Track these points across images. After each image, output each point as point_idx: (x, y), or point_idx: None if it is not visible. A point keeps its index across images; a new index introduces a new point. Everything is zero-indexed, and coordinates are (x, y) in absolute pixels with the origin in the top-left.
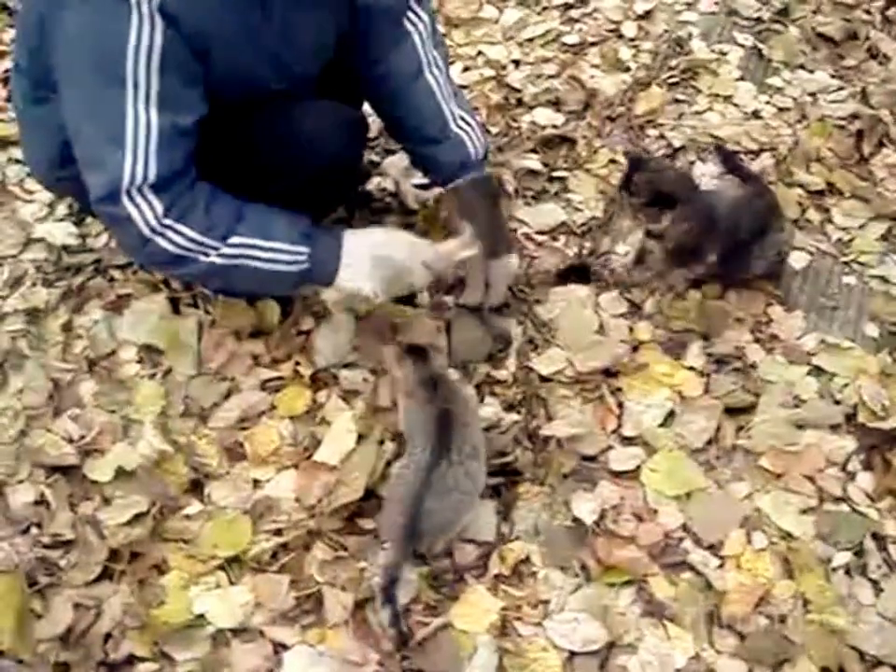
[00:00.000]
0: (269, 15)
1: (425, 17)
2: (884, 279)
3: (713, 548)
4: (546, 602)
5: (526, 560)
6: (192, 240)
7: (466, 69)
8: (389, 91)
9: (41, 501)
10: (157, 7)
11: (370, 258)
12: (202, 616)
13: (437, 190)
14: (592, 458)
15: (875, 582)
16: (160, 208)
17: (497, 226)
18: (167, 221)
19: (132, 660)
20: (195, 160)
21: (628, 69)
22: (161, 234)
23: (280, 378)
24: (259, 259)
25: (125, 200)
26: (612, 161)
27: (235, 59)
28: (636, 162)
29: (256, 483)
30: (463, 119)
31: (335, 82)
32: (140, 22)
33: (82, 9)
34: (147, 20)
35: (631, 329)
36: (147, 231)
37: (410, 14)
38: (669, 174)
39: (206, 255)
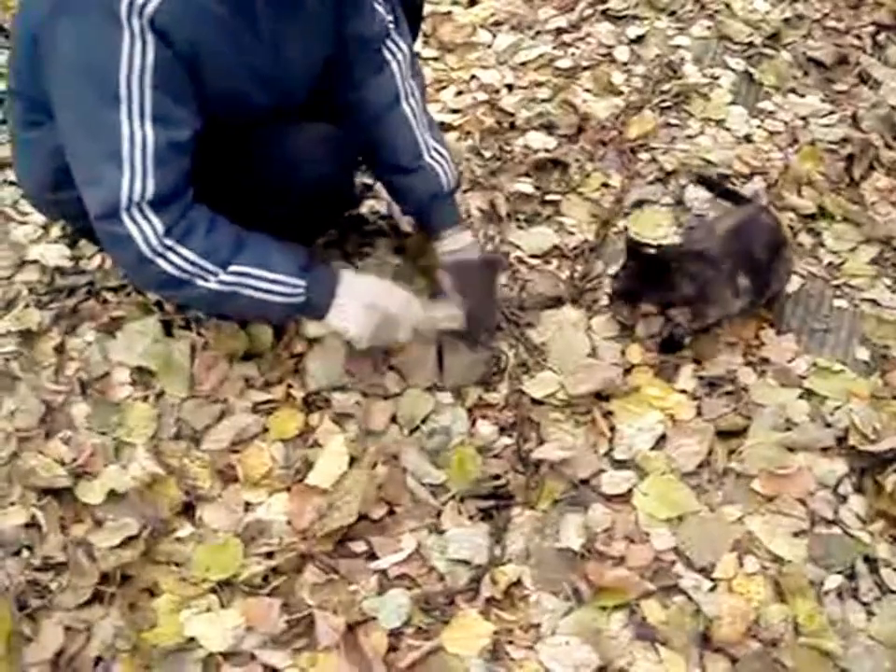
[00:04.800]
0: (259, 34)
1: (404, 46)
2: (875, 302)
3: (705, 571)
4: (538, 625)
5: (518, 583)
6: (193, 263)
7: (459, 93)
8: (365, 119)
9: (32, 524)
10: (147, 24)
11: (363, 304)
12: (193, 639)
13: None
14: (584, 481)
15: (866, 606)
16: (160, 227)
17: (488, 313)
18: (168, 241)
19: None
20: (192, 179)
21: (621, 93)
22: (162, 255)
23: (272, 401)
24: (256, 288)
25: (125, 218)
26: (605, 185)
27: (226, 77)
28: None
29: (248, 505)
30: (436, 150)
31: (324, 107)
32: (132, 40)
33: (74, 29)
34: (139, 37)
35: (623, 352)
36: (147, 252)
37: (389, 43)
38: (634, 268)
39: (206, 280)
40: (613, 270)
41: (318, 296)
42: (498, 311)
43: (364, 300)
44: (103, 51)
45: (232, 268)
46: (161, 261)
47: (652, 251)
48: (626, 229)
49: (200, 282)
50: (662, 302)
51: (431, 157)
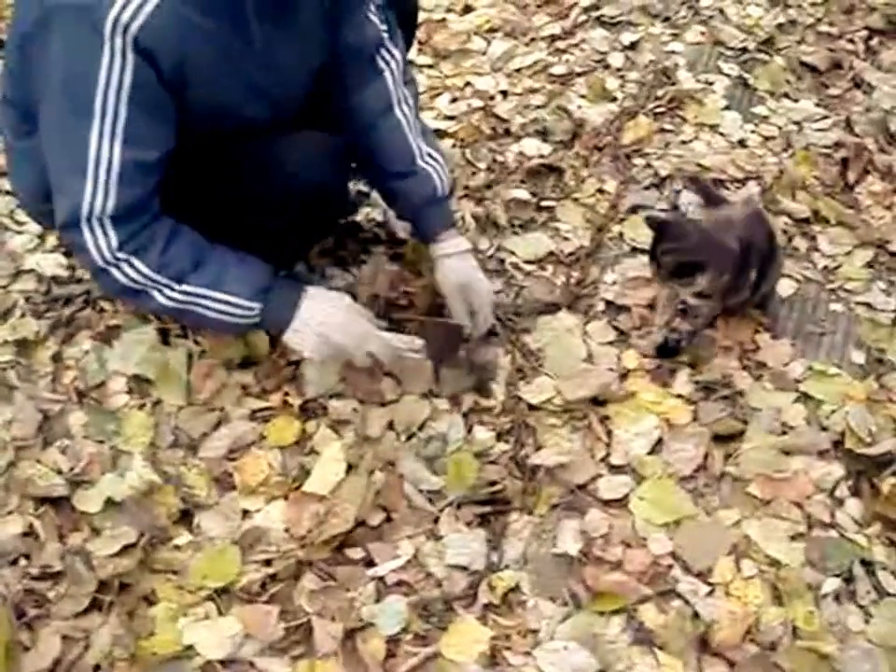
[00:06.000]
0: (251, 45)
1: (397, 54)
2: (870, 306)
3: (702, 575)
4: (535, 631)
5: (516, 589)
6: (145, 276)
7: (454, 100)
8: (359, 127)
9: (30, 533)
10: (131, 43)
11: (317, 333)
12: (191, 647)
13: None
14: (580, 486)
15: (864, 609)
16: (114, 241)
17: (449, 364)
18: (121, 255)
19: None
20: (165, 193)
21: (615, 99)
22: (116, 266)
23: (269, 408)
24: (209, 308)
25: (84, 227)
26: (600, 191)
27: (215, 89)
28: (659, 230)
29: (245, 513)
30: (430, 154)
31: (317, 113)
32: (111, 58)
33: (58, 41)
34: (119, 55)
35: (619, 358)
36: (100, 262)
37: (383, 51)
38: (692, 240)
39: (160, 292)
40: (611, 278)
41: (274, 320)
42: (463, 364)
43: (318, 331)
44: (82, 66)
45: (185, 287)
46: (114, 271)
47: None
48: (622, 234)
49: (155, 293)
50: (715, 284)
51: (425, 161)
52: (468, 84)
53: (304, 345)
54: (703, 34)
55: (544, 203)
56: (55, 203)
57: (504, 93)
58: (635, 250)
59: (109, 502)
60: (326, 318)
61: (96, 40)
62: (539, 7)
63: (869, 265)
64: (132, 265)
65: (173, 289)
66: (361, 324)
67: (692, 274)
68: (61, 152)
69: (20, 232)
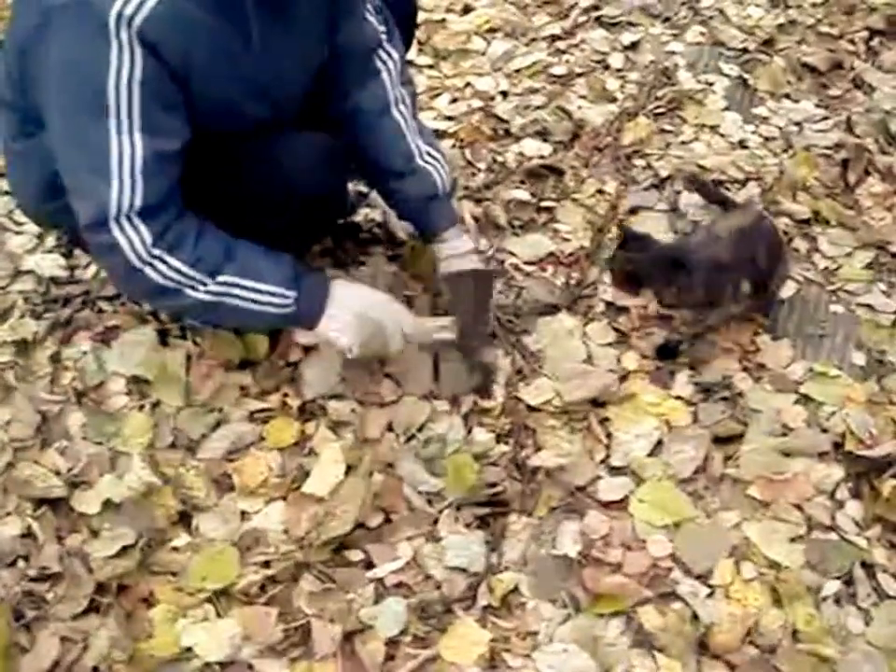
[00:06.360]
0: (251, 44)
1: (395, 54)
2: (870, 307)
3: (702, 577)
4: (535, 633)
5: (515, 591)
6: (180, 272)
7: (454, 101)
8: (356, 127)
9: (28, 534)
10: (136, 35)
11: (354, 313)
12: (189, 649)
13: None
14: (580, 488)
15: (864, 611)
16: (148, 237)
17: (481, 324)
18: (156, 251)
19: None
20: (181, 188)
21: (615, 100)
22: (150, 264)
23: (268, 409)
24: (245, 298)
25: (114, 228)
26: (600, 192)
27: (218, 87)
28: (623, 239)
29: (244, 514)
30: (429, 153)
31: (318, 114)
32: (120, 51)
33: (62, 40)
34: (127, 48)
35: (618, 359)
36: (135, 261)
37: (381, 52)
38: (644, 255)
39: (194, 289)
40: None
41: (308, 306)
42: (492, 323)
43: (355, 310)
44: (91, 63)
45: (221, 278)
46: (148, 270)
47: (664, 244)
48: (622, 221)
49: (189, 291)
50: (663, 298)
51: (424, 160)
52: (467, 84)
53: (343, 329)
54: (703, 34)
55: (544, 204)
56: (76, 207)
57: (504, 94)
58: None
59: (108, 503)
60: (361, 298)
61: (102, 36)
62: (539, 7)
63: (869, 266)
64: (165, 262)
65: (206, 284)
66: (395, 302)
67: (638, 286)
68: (78, 153)
69: (18, 233)
